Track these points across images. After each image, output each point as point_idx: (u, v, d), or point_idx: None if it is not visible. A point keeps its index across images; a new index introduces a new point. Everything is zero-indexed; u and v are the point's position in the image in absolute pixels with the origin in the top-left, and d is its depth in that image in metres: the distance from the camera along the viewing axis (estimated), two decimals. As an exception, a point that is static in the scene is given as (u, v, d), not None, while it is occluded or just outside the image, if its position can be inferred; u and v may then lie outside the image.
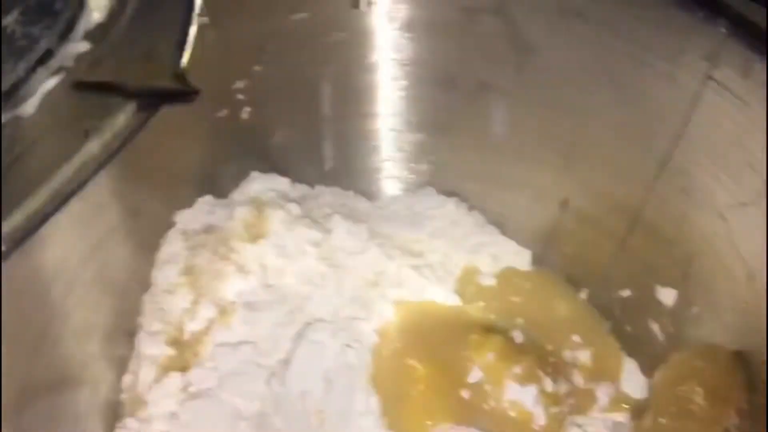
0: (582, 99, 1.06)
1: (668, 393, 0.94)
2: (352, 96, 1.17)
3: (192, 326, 1.06)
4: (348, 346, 1.03)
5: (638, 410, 0.99)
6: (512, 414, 1.00)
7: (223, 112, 1.13)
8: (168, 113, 1.04)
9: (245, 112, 1.14)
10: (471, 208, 1.23)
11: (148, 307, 1.09)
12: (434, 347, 1.06)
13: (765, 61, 0.84)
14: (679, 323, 1.06)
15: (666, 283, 1.08)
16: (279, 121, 1.16)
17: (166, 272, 1.10)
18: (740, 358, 0.94)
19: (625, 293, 1.13)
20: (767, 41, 0.85)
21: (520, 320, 1.11)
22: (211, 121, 1.12)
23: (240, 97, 1.13)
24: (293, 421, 0.98)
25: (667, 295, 1.07)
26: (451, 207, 1.22)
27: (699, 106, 0.94)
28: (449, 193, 1.24)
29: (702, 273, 1.02)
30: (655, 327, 1.09)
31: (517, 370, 1.01)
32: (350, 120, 1.19)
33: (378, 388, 1.02)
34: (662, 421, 0.92)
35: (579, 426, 1.00)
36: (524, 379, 1.01)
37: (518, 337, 1.08)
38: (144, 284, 1.11)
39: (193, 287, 1.08)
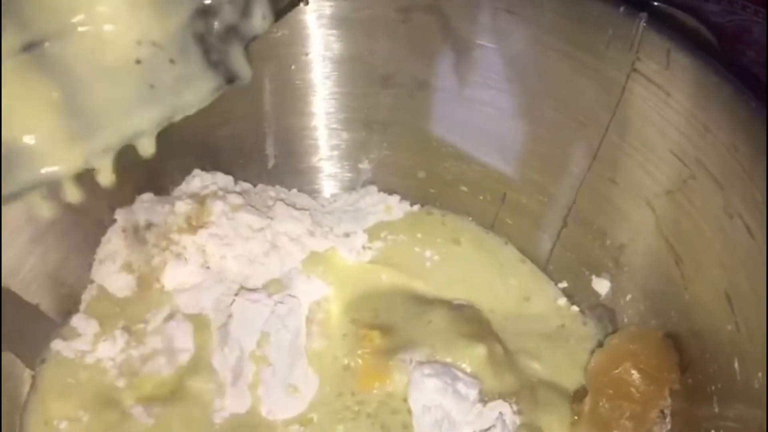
0: (514, 94, 1.09)
1: (605, 376, 0.96)
2: (291, 94, 1.18)
3: (131, 311, 1.07)
4: (281, 303, 1.05)
5: (577, 395, 1.01)
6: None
7: (164, 109, 1.13)
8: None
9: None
10: (412, 204, 1.25)
11: (85, 299, 1.10)
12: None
13: (683, 51, 0.88)
14: (614, 311, 1.09)
15: (600, 273, 1.11)
16: (221, 117, 1.17)
17: (106, 269, 1.09)
18: (670, 341, 0.97)
19: (562, 285, 1.16)
20: (686, 33, 0.90)
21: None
22: (151, 118, 1.12)
23: (181, 93, 1.13)
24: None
25: (602, 285, 1.11)
26: (392, 203, 1.24)
27: (625, 97, 0.97)
28: (390, 191, 1.26)
29: (633, 261, 1.05)
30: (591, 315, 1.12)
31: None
32: (289, 118, 1.20)
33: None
34: (601, 403, 0.94)
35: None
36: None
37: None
38: (83, 281, 1.10)
39: (132, 281, 1.08)
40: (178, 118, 0.69)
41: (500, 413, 0.96)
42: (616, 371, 0.95)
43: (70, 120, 0.63)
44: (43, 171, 0.64)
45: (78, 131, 0.64)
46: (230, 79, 0.69)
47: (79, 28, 0.60)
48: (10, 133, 0.60)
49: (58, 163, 0.64)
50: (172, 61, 0.64)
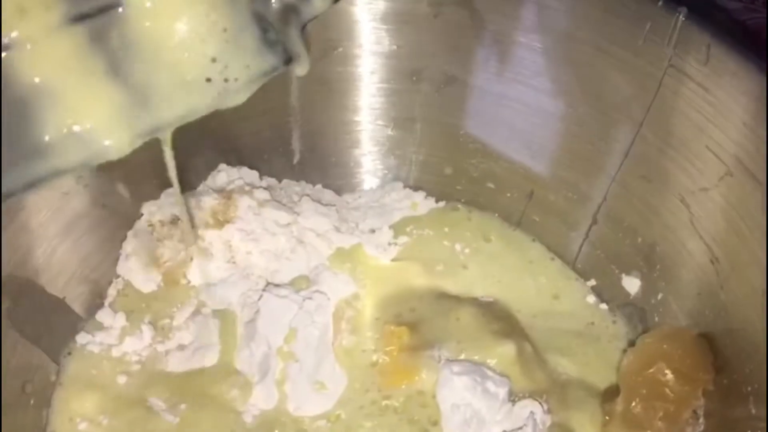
0: (546, 90, 1.08)
1: (637, 376, 0.95)
2: (318, 88, 1.17)
3: (157, 306, 1.07)
4: (309, 298, 1.04)
5: (607, 394, 1.00)
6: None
7: (191, 103, 1.12)
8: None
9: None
10: (438, 201, 1.24)
11: (111, 293, 1.09)
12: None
13: (724, 46, 0.87)
14: (645, 310, 1.08)
15: (630, 272, 1.10)
16: (246, 111, 1.15)
17: (132, 263, 1.09)
18: (705, 341, 0.95)
19: (591, 283, 1.15)
20: (726, 28, 0.88)
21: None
22: (178, 111, 1.11)
23: (207, 87, 1.12)
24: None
25: (632, 284, 1.09)
26: (418, 200, 1.23)
27: (660, 93, 0.96)
28: (416, 187, 1.25)
29: (665, 259, 1.03)
30: (621, 314, 1.11)
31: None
32: (316, 113, 1.19)
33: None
34: (634, 403, 0.93)
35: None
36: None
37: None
38: (109, 276, 1.10)
39: (158, 276, 1.08)
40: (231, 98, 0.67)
41: (531, 412, 0.94)
42: (650, 371, 0.94)
43: (127, 96, 0.60)
44: (95, 147, 0.63)
45: (134, 107, 0.62)
46: (287, 60, 0.67)
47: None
48: (66, 106, 0.59)
49: (111, 138, 0.63)
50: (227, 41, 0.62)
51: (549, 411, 0.97)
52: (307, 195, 1.18)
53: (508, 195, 1.20)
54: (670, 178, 0.99)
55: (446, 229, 1.20)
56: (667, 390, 0.93)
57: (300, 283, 1.08)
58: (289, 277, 1.09)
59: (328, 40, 1.12)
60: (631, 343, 1.05)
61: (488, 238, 1.19)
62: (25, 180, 0.60)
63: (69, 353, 1.02)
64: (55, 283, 1.02)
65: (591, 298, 1.13)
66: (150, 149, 1.13)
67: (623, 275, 1.10)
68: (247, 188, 1.13)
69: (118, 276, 1.10)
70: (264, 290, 1.04)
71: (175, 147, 1.15)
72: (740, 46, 0.86)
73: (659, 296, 1.05)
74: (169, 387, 1.00)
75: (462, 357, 1.02)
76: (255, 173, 1.19)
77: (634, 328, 1.09)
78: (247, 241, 1.09)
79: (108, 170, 1.05)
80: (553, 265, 1.17)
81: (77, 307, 1.05)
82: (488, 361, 1.01)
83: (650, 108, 0.97)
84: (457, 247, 1.17)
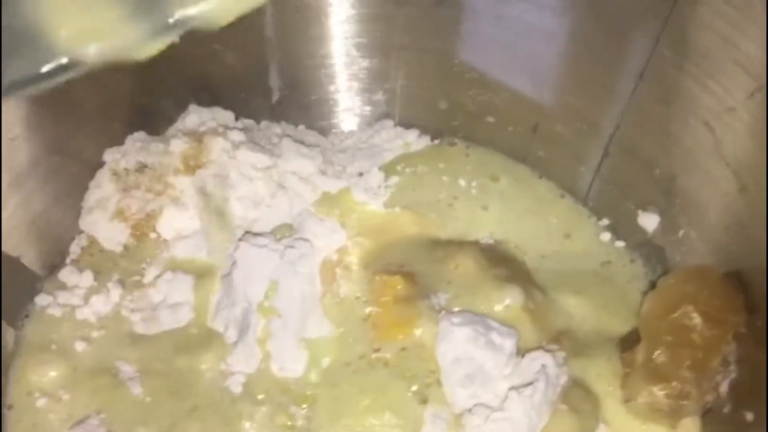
0: (549, 6, 0.96)
1: (661, 322, 0.85)
2: (297, 16, 1.05)
3: (125, 263, 0.97)
4: (291, 247, 0.93)
5: (627, 342, 0.90)
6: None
7: (153, 35, 1.01)
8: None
9: (177, 36, 1.02)
10: (433, 138, 1.13)
11: (73, 250, 0.99)
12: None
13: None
14: (664, 248, 0.97)
15: (647, 208, 0.99)
16: (217, 45, 1.05)
17: (96, 217, 0.98)
18: (734, 279, 0.85)
19: (604, 222, 1.05)
20: None
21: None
22: (139, 45, 1.00)
23: (171, 17, 1.01)
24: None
25: (650, 220, 0.99)
26: (410, 138, 1.12)
27: (679, 3, 0.84)
28: (408, 125, 1.14)
29: (687, 191, 0.93)
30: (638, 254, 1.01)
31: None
32: (296, 45, 1.08)
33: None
34: (658, 352, 0.83)
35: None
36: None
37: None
38: (70, 231, 1.00)
39: (125, 229, 0.98)
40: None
41: (542, 365, 0.85)
42: (674, 315, 0.84)
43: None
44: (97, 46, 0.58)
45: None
46: None
47: None
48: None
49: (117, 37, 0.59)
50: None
51: (563, 363, 0.88)
52: (289, 136, 1.07)
53: (510, 129, 1.09)
54: (692, 100, 0.88)
55: (441, 165, 1.09)
56: (694, 335, 0.83)
57: (282, 232, 0.98)
58: (270, 226, 0.99)
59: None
60: (652, 285, 0.95)
61: (493, 176, 1.08)
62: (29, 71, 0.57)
63: (27, 316, 0.92)
64: (8, 240, 0.91)
65: (605, 236, 1.03)
66: (112, 87, 1.04)
67: (639, 211, 1.00)
68: (220, 130, 1.02)
69: (81, 231, 1.00)
70: (240, 240, 0.93)
71: (139, 86, 1.05)
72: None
73: (680, 233, 0.94)
74: (137, 351, 0.90)
75: (464, 308, 0.92)
76: (229, 114, 1.07)
77: (653, 268, 0.99)
78: (223, 187, 0.98)
79: (63, 112, 0.95)
80: (562, 203, 1.07)
81: (35, 265, 0.95)
82: (493, 309, 0.92)
83: (668, 19, 0.86)
84: (461, 182, 1.07)
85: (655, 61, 0.90)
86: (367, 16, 1.06)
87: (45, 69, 0.58)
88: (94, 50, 0.59)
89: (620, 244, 1.02)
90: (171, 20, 0.63)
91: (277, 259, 0.90)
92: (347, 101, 1.15)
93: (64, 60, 0.57)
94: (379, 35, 1.08)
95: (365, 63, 1.11)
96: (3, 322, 0.90)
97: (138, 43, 0.63)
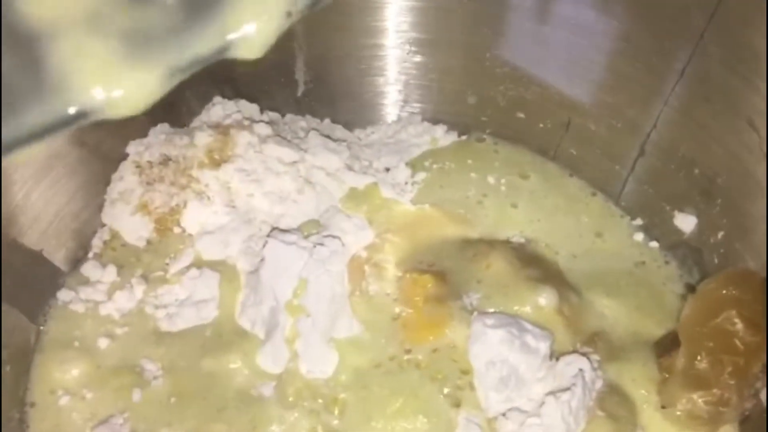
0: (587, 3, 0.93)
1: (702, 327, 0.82)
2: (326, 7, 1.02)
3: (148, 258, 0.94)
4: (321, 245, 0.90)
5: (663, 346, 0.88)
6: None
7: (178, 25, 0.98)
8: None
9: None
10: (461, 134, 1.10)
11: (96, 244, 0.97)
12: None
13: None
14: (702, 251, 0.95)
15: (684, 208, 0.97)
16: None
17: (119, 210, 0.96)
18: (776, 284, 0.83)
19: (637, 222, 1.02)
20: None
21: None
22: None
23: (197, 4, 0.98)
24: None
25: (687, 221, 0.96)
26: (438, 134, 1.10)
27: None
28: (436, 120, 1.12)
29: (728, 192, 0.90)
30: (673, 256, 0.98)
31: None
32: (323, 37, 1.05)
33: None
34: (699, 358, 0.81)
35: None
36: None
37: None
38: (92, 224, 0.97)
39: (149, 224, 0.95)
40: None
41: (580, 370, 0.82)
42: (716, 321, 0.81)
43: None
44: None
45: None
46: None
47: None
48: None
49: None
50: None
51: (598, 367, 0.85)
52: (315, 130, 1.04)
53: (541, 126, 1.07)
54: (736, 97, 0.85)
55: (469, 161, 1.06)
56: (737, 341, 0.80)
57: (309, 228, 0.95)
58: (297, 222, 0.96)
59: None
60: (689, 288, 0.93)
61: (523, 174, 1.05)
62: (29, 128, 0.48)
63: (49, 312, 0.90)
64: (30, 233, 0.89)
65: (639, 236, 1.01)
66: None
67: (676, 212, 0.97)
68: (246, 123, 1.00)
69: (103, 225, 0.98)
70: (269, 236, 0.91)
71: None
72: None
73: (719, 235, 0.92)
74: (162, 349, 0.88)
75: (496, 309, 0.90)
76: (255, 106, 1.05)
77: (689, 270, 0.96)
78: (248, 182, 0.96)
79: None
80: (594, 202, 1.04)
81: (57, 260, 0.93)
82: (526, 310, 0.89)
83: (714, 14, 0.83)
84: (490, 179, 1.04)
85: (698, 57, 0.87)
86: (396, 8, 1.03)
87: (51, 120, 0.49)
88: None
89: (654, 244, 1.00)
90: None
91: (306, 257, 0.88)
92: (374, 95, 1.12)
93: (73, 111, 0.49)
94: (409, 28, 1.05)
95: (394, 56, 1.08)
96: (24, 317, 0.88)
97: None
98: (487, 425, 0.83)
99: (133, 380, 0.85)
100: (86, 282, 0.93)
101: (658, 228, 1.00)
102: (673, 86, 0.91)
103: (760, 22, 0.79)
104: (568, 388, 0.81)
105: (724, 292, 0.83)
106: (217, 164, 0.96)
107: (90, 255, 0.96)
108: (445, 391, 0.85)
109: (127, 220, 0.96)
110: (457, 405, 0.84)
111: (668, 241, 0.98)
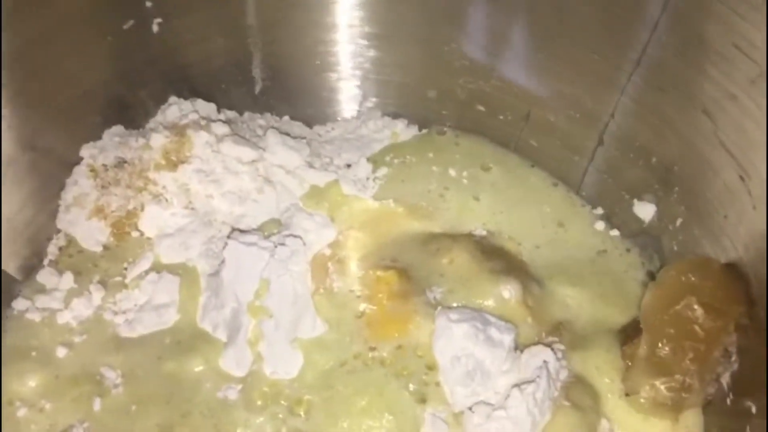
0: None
1: (663, 314, 0.83)
2: (283, 2, 1.01)
3: (106, 264, 0.93)
4: (282, 244, 0.90)
5: (626, 334, 0.88)
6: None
7: (129, 24, 0.96)
8: (60, 24, 0.89)
9: (156, 24, 0.98)
10: (421, 128, 1.10)
11: (51, 251, 0.95)
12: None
13: None
14: (661, 238, 0.96)
15: (643, 197, 0.97)
16: (195, 33, 1.00)
17: (74, 215, 0.94)
18: (734, 270, 0.83)
19: (598, 212, 1.02)
20: None
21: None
22: (115, 34, 0.95)
23: (148, 4, 0.96)
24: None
25: (646, 210, 0.97)
26: (398, 129, 1.09)
27: (680, -14, 0.82)
28: (396, 115, 1.11)
29: (685, 180, 0.91)
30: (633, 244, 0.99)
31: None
32: (279, 31, 1.04)
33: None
34: (660, 345, 0.81)
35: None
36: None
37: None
38: (47, 230, 0.95)
39: (105, 228, 0.93)
40: None
41: (544, 361, 0.82)
42: (677, 307, 0.82)
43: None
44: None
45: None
46: None
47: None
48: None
49: None
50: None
51: (563, 357, 0.86)
52: (274, 128, 1.03)
53: (501, 117, 1.07)
54: (691, 87, 0.85)
55: (430, 154, 1.06)
56: (697, 327, 0.81)
57: (270, 228, 0.94)
58: (258, 222, 0.95)
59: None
60: (650, 276, 0.94)
61: (484, 166, 1.05)
62: None
63: (4, 323, 0.88)
64: (-19, 242, 0.87)
65: (600, 225, 1.01)
66: (84, 78, 0.99)
67: (635, 201, 0.98)
68: (203, 122, 0.98)
69: (58, 231, 0.95)
70: (228, 238, 0.90)
71: (114, 77, 1.00)
72: None
73: (678, 222, 0.93)
74: (122, 356, 0.86)
75: (460, 303, 0.90)
76: (212, 105, 1.03)
77: (650, 258, 0.97)
78: (207, 182, 0.94)
79: (34, 105, 0.90)
80: (556, 192, 1.04)
81: (11, 268, 0.91)
82: (489, 303, 0.89)
83: (667, 4, 0.84)
84: (452, 172, 1.04)
85: (653, 46, 0.88)
86: (353, 3, 1.02)
87: None
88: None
89: (615, 233, 1.00)
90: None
91: (267, 257, 0.87)
92: (333, 91, 1.11)
93: None
94: (366, 22, 1.04)
95: (352, 51, 1.07)
96: (-21, 328, 0.86)
97: None
98: (454, 420, 0.83)
99: (92, 389, 0.83)
100: (42, 290, 0.91)
101: (618, 216, 1.00)
102: (629, 76, 0.92)
103: (711, 11, 0.79)
104: (533, 380, 0.81)
105: (683, 279, 0.84)
106: (174, 165, 0.95)
107: (45, 262, 0.94)
108: (411, 387, 0.84)
109: (82, 225, 0.94)
110: (423, 401, 0.84)
111: (629, 229, 0.99)
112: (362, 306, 0.91)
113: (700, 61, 0.83)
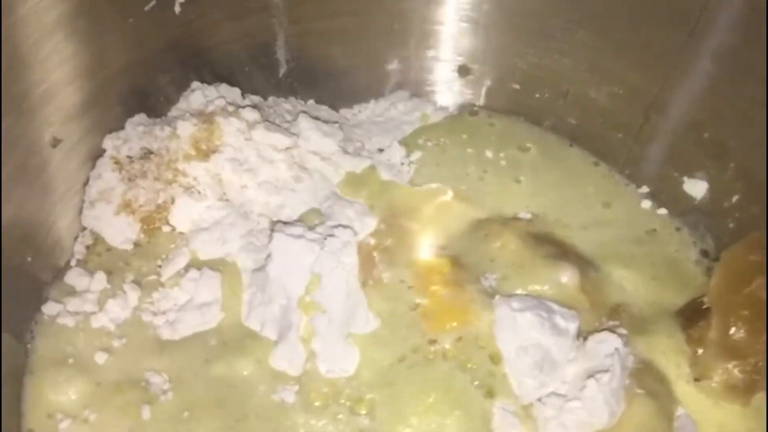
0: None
1: (735, 296, 0.80)
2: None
3: (137, 262, 0.87)
4: (332, 236, 0.84)
5: (687, 317, 0.86)
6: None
7: (151, 4, 0.89)
8: (78, 8, 0.82)
9: (178, 4, 0.91)
10: (451, 109, 1.06)
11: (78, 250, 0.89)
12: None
13: None
14: (714, 216, 0.93)
15: (694, 174, 0.94)
16: (220, 13, 0.94)
17: (99, 211, 0.88)
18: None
19: (643, 190, 0.99)
20: None
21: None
22: (136, 17, 0.89)
23: (172, -18, 0.90)
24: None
25: (697, 187, 0.94)
26: (428, 110, 1.05)
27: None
28: (425, 95, 1.07)
29: (741, 156, 0.88)
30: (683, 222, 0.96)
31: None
32: (306, 10, 0.98)
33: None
34: (735, 328, 0.78)
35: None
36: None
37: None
38: (72, 228, 0.89)
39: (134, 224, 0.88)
40: None
41: (615, 349, 0.79)
42: (749, 288, 0.79)
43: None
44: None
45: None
46: None
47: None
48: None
49: None
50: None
51: (627, 343, 0.82)
52: (304, 112, 0.98)
53: (538, 96, 1.03)
54: (749, 57, 0.82)
55: (465, 137, 1.02)
56: (769, 307, 0.79)
57: (311, 218, 0.89)
58: (297, 213, 0.90)
59: None
60: (704, 254, 0.91)
61: (522, 146, 1.01)
62: None
63: (35, 329, 0.82)
64: (4, 245, 0.80)
65: (646, 203, 0.98)
66: (102, 66, 0.92)
67: (685, 178, 0.94)
68: (231, 108, 0.93)
69: (84, 228, 0.89)
70: (273, 231, 0.84)
71: (133, 64, 0.93)
72: None
73: (734, 199, 0.90)
74: (166, 359, 0.81)
75: (516, 289, 0.86)
76: (236, 90, 0.98)
77: (702, 237, 0.94)
78: (241, 172, 0.89)
79: (55, 96, 0.84)
80: (597, 171, 1.01)
81: (38, 271, 0.84)
82: (546, 289, 0.86)
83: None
84: (488, 154, 1.00)
85: (707, 17, 0.84)
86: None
87: None
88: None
89: (663, 211, 0.97)
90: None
91: (317, 250, 0.82)
92: (359, 71, 1.06)
93: None
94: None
95: (378, 30, 1.02)
96: (5, 335, 0.79)
97: None
98: (523, 412, 0.79)
99: (139, 396, 0.78)
100: (72, 292, 0.85)
101: (666, 194, 0.97)
102: (681, 48, 0.88)
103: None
104: (606, 370, 0.78)
105: (752, 258, 0.81)
106: (205, 155, 0.89)
107: (73, 262, 0.87)
108: (477, 381, 0.80)
109: (110, 222, 0.88)
110: (491, 394, 0.80)
111: (678, 207, 0.96)
112: (416, 297, 0.86)
113: (759, 30, 0.80)
